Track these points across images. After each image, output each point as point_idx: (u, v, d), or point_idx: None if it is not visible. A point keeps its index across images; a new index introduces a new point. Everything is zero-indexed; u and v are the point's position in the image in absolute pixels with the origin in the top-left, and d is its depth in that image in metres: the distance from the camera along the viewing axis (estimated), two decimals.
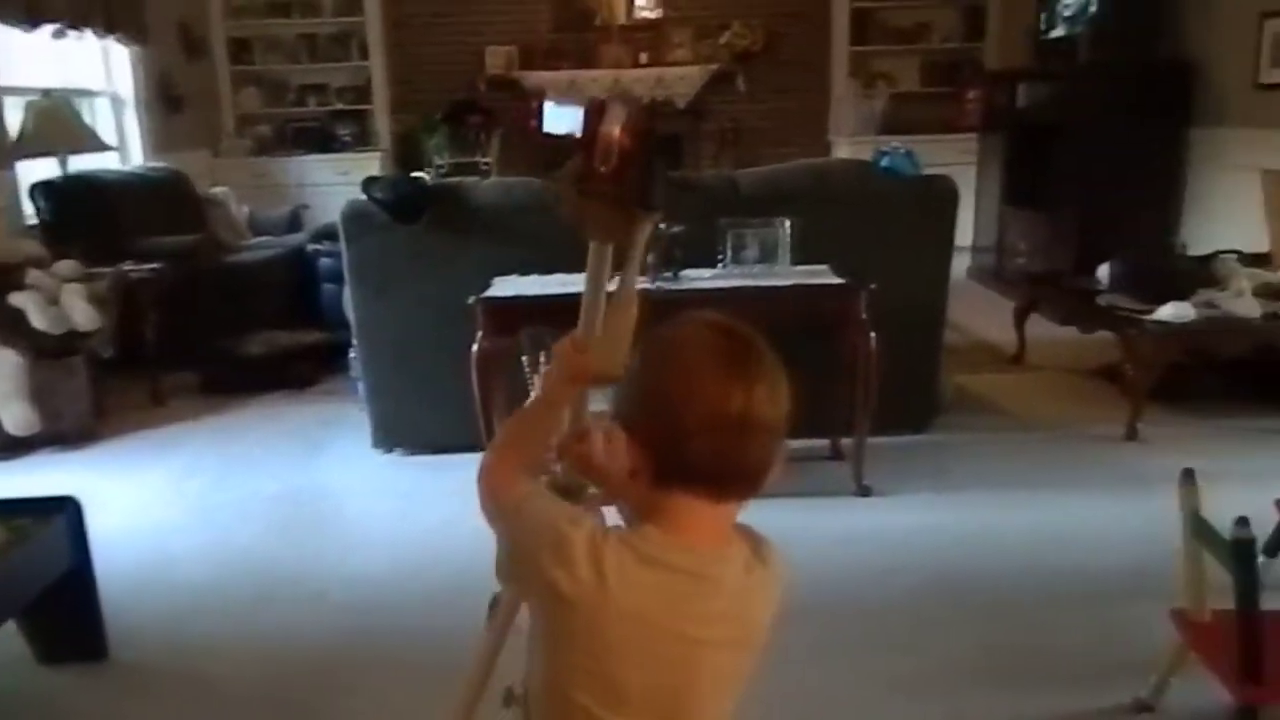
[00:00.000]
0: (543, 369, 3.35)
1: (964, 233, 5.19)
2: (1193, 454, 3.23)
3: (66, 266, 3.90)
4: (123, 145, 5.85)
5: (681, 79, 7.40)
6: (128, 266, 4.21)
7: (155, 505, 3.18)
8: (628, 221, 1.12)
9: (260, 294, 5.07)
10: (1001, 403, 3.87)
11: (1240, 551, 1.56)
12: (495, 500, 1.02)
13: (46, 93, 4.56)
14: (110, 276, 4.03)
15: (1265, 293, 3.48)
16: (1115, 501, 2.94)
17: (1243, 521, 1.58)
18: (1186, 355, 3.41)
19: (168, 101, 6.36)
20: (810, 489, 3.09)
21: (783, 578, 0.99)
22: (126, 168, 5.55)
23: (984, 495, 3.02)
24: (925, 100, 7.43)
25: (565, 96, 1.09)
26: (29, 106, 4.46)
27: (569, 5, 7.42)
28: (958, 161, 5.95)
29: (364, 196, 3.29)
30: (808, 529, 2.81)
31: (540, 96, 1.14)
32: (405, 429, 3.50)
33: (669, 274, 2.99)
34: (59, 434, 3.72)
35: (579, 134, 1.09)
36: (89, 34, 5.28)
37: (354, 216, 3.30)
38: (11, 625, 2.11)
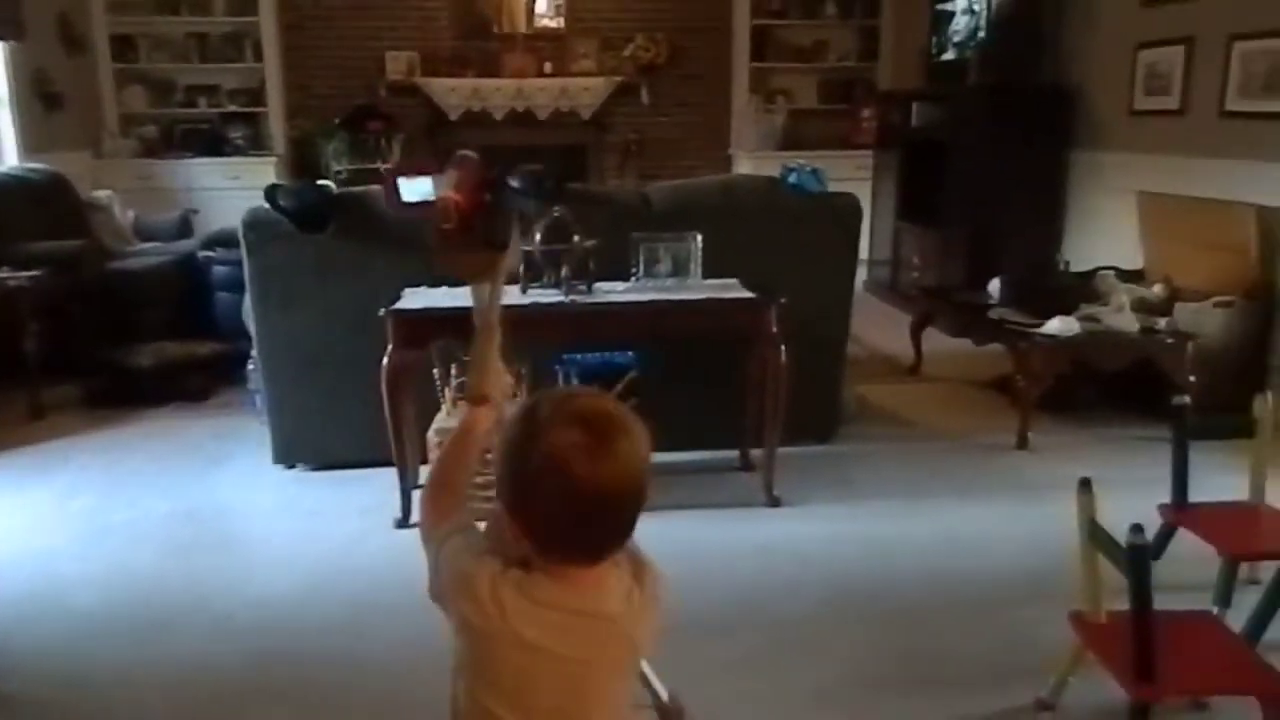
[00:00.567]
0: (454, 381, 3.31)
1: (860, 247, 5.36)
2: (1079, 462, 3.42)
3: None
4: None
5: (586, 90, 7.42)
6: (3, 274, 3.98)
7: (39, 528, 3.00)
8: (488, 261, 1.36)
9: (148, 303, 4.85)
10: (901, 413, 4.00)
11: (1135, 556, 1.65)
12: (425, 537, 1.18)
13: None
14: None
15: (1141, 307, 3.70)
16: (1010, 508, 3.08)
17: (1137, 528, 1.67)
18: (1071, 367, 3.59)
19: (45, 99, 6.03)
20: (723, 500, 3.14)
21: (660, 598, 1.11)
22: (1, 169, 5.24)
23: (887, 504, 3.12)
24: (822, 117, 7.63)
25: (411, 172, 1.24)
26: None
27: (470, 12, 7.35)
28: (854, 177, 6.14)
29: (266, 204, 3.18)
30: (723, 540, 2.86)
31: (393, 174, 1.28)
32: (308, 444, 3.41)
33: (582, 287, 2.99)
34: None
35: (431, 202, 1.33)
36: None
37: (256, 225, 3.20)
38: None
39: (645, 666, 1.42)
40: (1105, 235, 4.89)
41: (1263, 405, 2.33)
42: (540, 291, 3.00)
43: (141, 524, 3.03)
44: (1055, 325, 3.49)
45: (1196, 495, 2.36)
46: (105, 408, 4.17)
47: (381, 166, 7.39)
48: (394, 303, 2.92)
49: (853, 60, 7.63)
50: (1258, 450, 2.35)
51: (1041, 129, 5.15)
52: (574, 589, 1.05)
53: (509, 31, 7.35)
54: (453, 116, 7.38)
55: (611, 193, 3.55)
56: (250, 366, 4.00)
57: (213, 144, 7.13)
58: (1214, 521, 2.31)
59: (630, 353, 3.22)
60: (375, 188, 3.44)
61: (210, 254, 5.12)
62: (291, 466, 3.43)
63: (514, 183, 3.36)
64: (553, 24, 7.41)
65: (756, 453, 3.36)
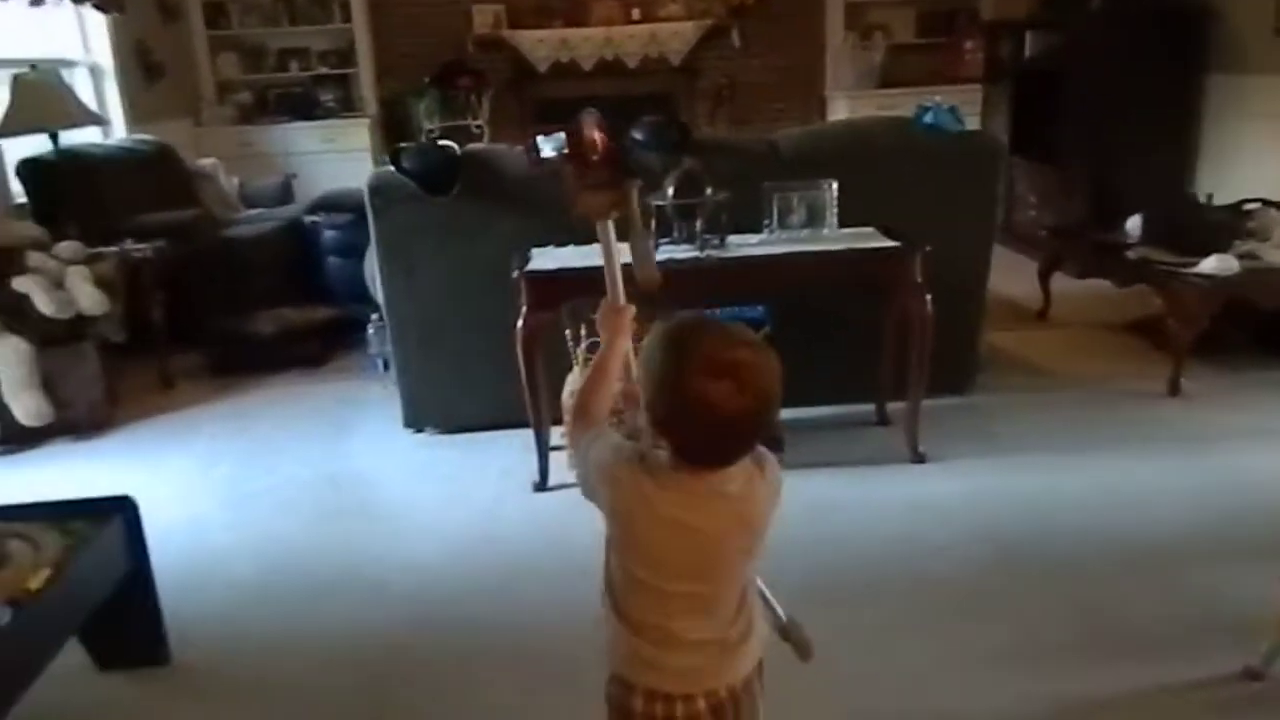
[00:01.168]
0: (584, 342, 3.25)
1: None
2: (1237, 409, 3.25)
3: (69, 248, 3.73)
4: (104, 116, 5.61)
5: (675, 35, 7.23)
6: (128, 246, 4.04)
7: (188, 497, 3.06)
8: (621, 195, 1.52)
9: (260, 269, 4.91)
10: (1034, 360, 3.83)
11: None
12: (574, 443, 1.38)
13: (33, 66, 4.33)
14: (114, 257, 3.86)
15: None
16: (1169, 460, 2.92)
17: None
18: (1228, 308, 3.37)
19: (147, 70, 6.11)
20: (863, 457, 3.05)
21: (776, 482, 1.28)
22: (111, 141, 5.32)
23: (1036, 458, 2.98)
24: (921, 51, 7.31)
25: (546, 132, 1.45)
26: (15, 81, 4.24)
27: None
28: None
29: (390, 167, 3.15)
30: (869, 499, 2.77)
31: (532, 135, 1.46)
32: (436, 408, 3.40)
33: (716, 241, 2.90)
34: (71, 423, 3.58)
35: (567, 150, 1.55)
36: (65, 2, 5.03)
37: (381, 188, 3.17)
38: None
39: (767, 590, 1.51)
40: (1246, 166, 4.59)
41: None
42: (673, 247, 2.91)
43: (284, 491, 3.07)
44: (1212, 264, 3.28)
45: None
46: (228, 375, 4.24)
47: (472, 124, 7.36)
48: (524, 264, 2.87)
49: None
50: None
51: (1172, 54, 4.83)
52: (702, 477, 1.21)
53: None
54: (541, 69, 7.28)
55: (738, 141, 3.42)
56: (370, 331, 4.02)
57: (305, 107, 7.16)
58: None
59: (760, 307, 3.11)
60: (500, 146, 3.39)
61: (316, 218, 5.15)
62: (420, 430, 3.44)
63: (636, 135, 3.29)
64: None
65: (893, 406, 3.25)
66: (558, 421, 3.04)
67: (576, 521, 2.73)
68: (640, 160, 3.20)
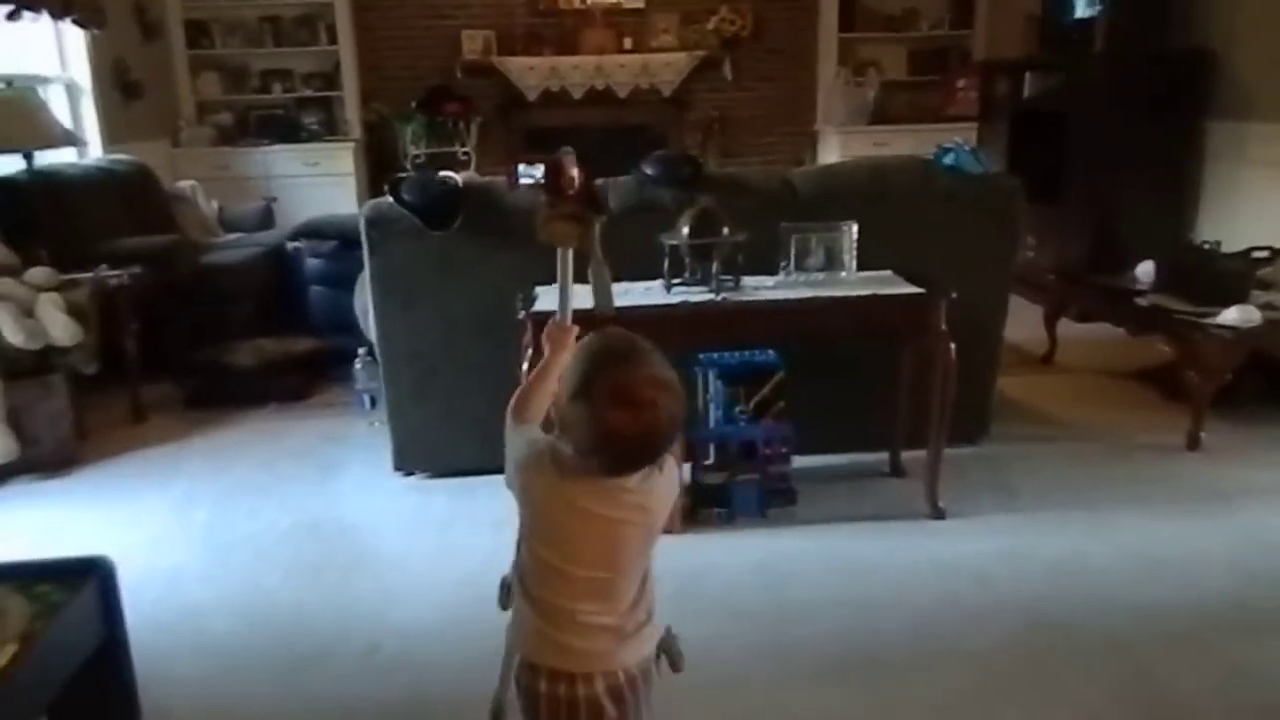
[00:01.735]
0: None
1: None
2: (1259, 466, 3.15)
3: (40, 274, 3.54)
4: (79, 136, 5.41)
5: (667, 65, 7.15)
6: (103, 272, 3.85)
7: (162, 544, 2.87)
8: (585, 228, 1.70)
9: (239, 297, 4.72)
10: (1044, 409, 3.73)
11: None
12: (507, 431, 1.49)
13: (9, 82, 4.15)
14: (89, 284, 3.67)
15: None
16: (1197, 521, 2.81)
17: None
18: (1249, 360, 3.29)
19: (125, 88, 5.92)
20: (880, 511, 2.92)
21: (672, 477, 1.42)
22: (87, 161, 5.12)
23: (1058, 517, 2.85)
24: (912, 89, 7.30)
25: (529, 162, 2.08)
26: None
27: None
28: None
29: (388, 198, 2.99)
30: (893, 560, 2.63)
31: (515, 162, 2.07)
32: (428, 450, 3.24)
33: (731, 283, 2.77)
34: (37, 461, 3.37)
35: (544, 180, 1.73)
36: (44, 16, 4.85)
37: (378, 221, 3.01)
38: None
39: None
40: (1247, 213, 4.54)
41: None
42: (687, 289, 2.78)
43: (265, 539, 2.88)
44: (1234, 315, 3.19)
45: None
46: (204, 408, 4.05)
47: (459, 150, 7.22)
48: (530, 304, 2.72)
49: (946, 28, 7.26)
50: None
51: (1173, 98, 4.79)
52: (614, 481, 1.34)
53: (587, 6, 7.10)
54: (530, 97, 7.17)
55: (753, 179, 3.30)
56: (358, 365, 3.85)
57: (288, 130, 6.99)
58: None
59: (771, 352, 2.99)
60: (503, 180, 3.25)
61: (299, 245, 4.97)
62: (410, 474, 3.27)
63: (647, 170, 3.17)
64: None
65: (907, 456, 3.13)
66: None
67: None
68: (651, 197, 3.08)
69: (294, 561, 2.72)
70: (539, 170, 2.03)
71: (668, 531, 2.74)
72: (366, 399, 3.81)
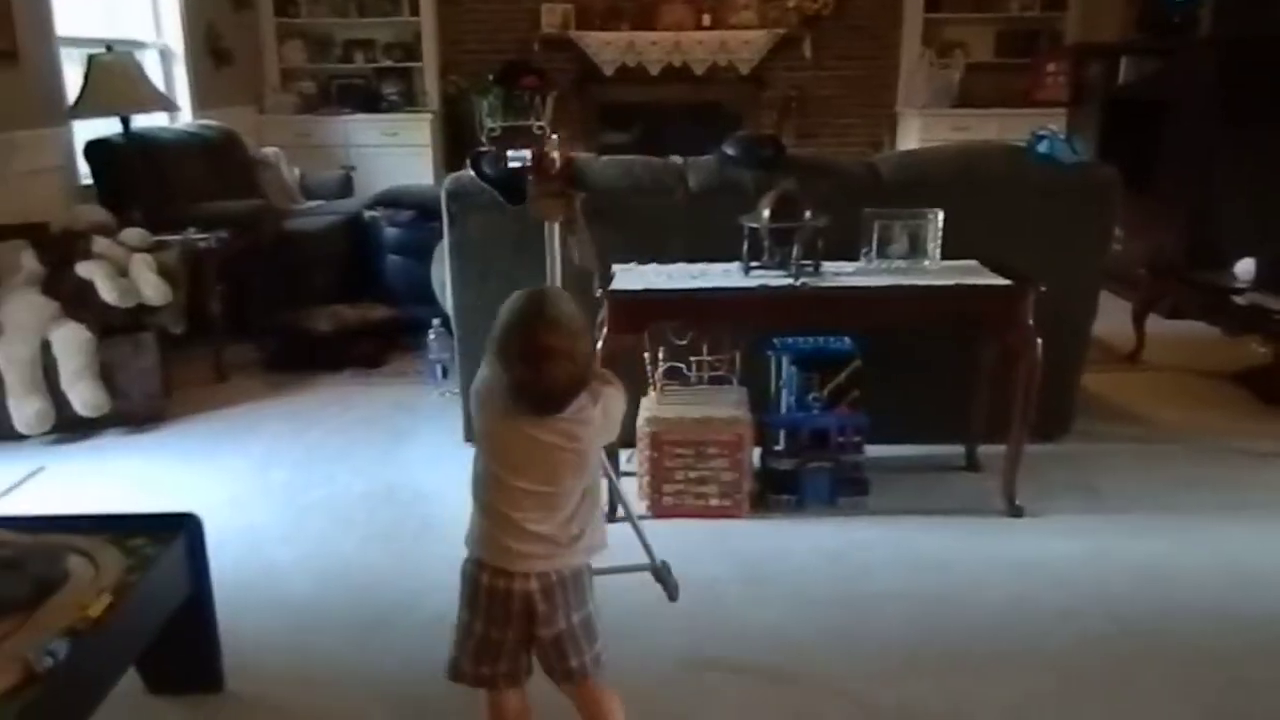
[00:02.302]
0: (662, 366, 3.07)
1: None
2: None
3: (134, 235, 3.65)
4: (174, 102, 5.55)
5: (746, 43, 7.06)
6: (192, 235, 3.95)
7: (243, 502, 2.94)
8: (568, 202, 2.06)
9: (318, 264, 4.82)
10: (1130, 407, 3.62)
11: None
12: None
13: (108, 47, 4.26)
14: (178, 246, 3.77)
15: None
16: None
17: None
18: None
19: (215, 55, 6.06)
20: (955, 506, 2.86)
21: (606, 413, 1.60)
22: (178, 126, 5.26)
23: (1145, 520, 2.77)
24: (998, 71, 7.08)
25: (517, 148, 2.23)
26: (91, 61, 4.16)
27: None
28: None
29: (469, 171, 3.00)
30: (968, 556, 2.58)
31: (504, 146, 2.29)
32: None
33: (810, 268, 2.72)
34: (126, 414, 3.49)
35: (530, 163, 2.10)
36: None
37: (458, 194, 3.03)
38: None
39: (642, 536, 2.18)
40: None
41: None
42: (765, 273, 2.74)
43: (341, 502, 2.94)
44: None
45: None
46: (282, 371, 4.15)
47: (534, 124, 7.23)
48: (608, 282, 2.71)
49: (1037, 9, 7.03)
50: None
51: None
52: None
53: None
54: (607, 72, 7.14)
55: (836, 162, 3.24)
56: (431, 336, 3.89)
57: (368, 100, 7.08)
58: None
59: (847, 339, 2.94)
60: (585, 155, 3.25)
61: (375, 214, 5.05)
62: None
63: (729, 150, 3.13)
64: None
65: (984, 450, 3.06)
66: (628, 444, 2.89)
67: (644, 559, 2.60)
68: (731, 177, 3.05)
69: (367, 527, 2.78)
70: (527, 154, 2.18)
71: (734, 516, 2.76)
72: (439, 369, 3.86)
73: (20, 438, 3.32)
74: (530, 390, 1.50)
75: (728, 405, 2.85)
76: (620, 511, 2.46)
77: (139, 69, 4.39)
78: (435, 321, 3.85)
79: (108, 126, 4.43)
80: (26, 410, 3.27)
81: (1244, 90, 4.55)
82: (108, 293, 3.37)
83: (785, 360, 2.89)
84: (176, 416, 3.61)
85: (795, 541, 2.68)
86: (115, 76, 4.18)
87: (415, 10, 7.03)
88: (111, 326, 3.43)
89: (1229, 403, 3.66)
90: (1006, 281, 2.65)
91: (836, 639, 2.23)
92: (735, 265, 2.79)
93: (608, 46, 7.11)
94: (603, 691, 1.67)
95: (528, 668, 1.64)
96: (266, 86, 6.93)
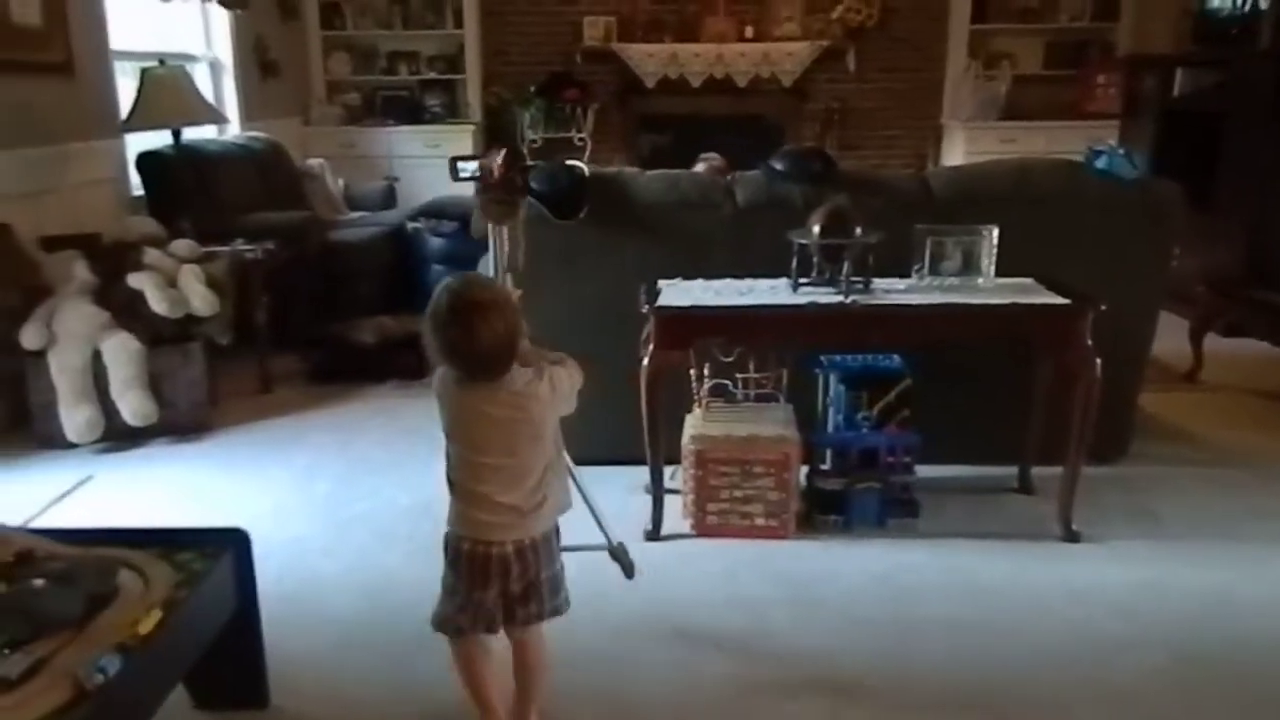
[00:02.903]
0: (708, 383, 3.02)
1: None
2: None
3: (183, 246, 3.69)
4: (221, 113, 5.63)
5: (788, 55, 7.02)
6: (239, 246, 3.99)
7: (288, 514, 2.95)
8: (512, 209, 2.27)
9: (362, 275, 4.85)
10: (1189, 428, 3.52)
11: None
12: None
13: (161, 61, 4.32)
14: (226, 257, 3.80)
15: None
16: None
17: None
18: None
19: (263, 67, 6.13)
20: (1007, 529, 2.79)
21: (555, 388, 1.77)
22: (226, 137, 5.32)
23: (1207, 548, 2.68)
24: (1046, 83, 6.99)
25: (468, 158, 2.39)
26: (144, 75, 4.22)
27: None
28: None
29: None
30: (1021, 581, 2.51)
31: (454, 159, 2.38)
32: None
33: (860, 285, 2.68)
34: (173, 424, 3.52)
35: (478, 174, 2.28)
36: None
37: None
38: None
39: (598, 517, 2.43)
40: None
41: None
42: (814, 290, 2.70)
43: (384, 517, 2.93)
44: None
45: None
46: (326, 382, 4.16)
47: (575, 136, 7.24)
48: (651, 296, 2.69)
49: (1087, 19, 6.93)
50: None
51: None
52: (496, 384, 1.72)
53: None
54: (649, 84, 7.13)
55: (886, 177, 3.20)
56: None
57: (411, 111, 7.14)
58: None
59: (896, 357, 2.89)
60: (631, 170, 3.24)
61: (418, 225, 5.07)
62: None
63: (776, 165, 3.10)
64: None
65: (1037, 472, 2.99)
66: (674, 461, 2.85)
67: (691, 578, 2.57)
68: (779, 192, 3.01)
69: (411, 541, 2.76)
70: (473, 165, 2.35)
71: (780, 536, 2.71)
72: None
73: (70, 446, 3.36)
74: (464, 350, 1.67)
75: (774, 423, 2.80)
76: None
77: (190, 82, 4.46)
78: None
79: (159, 139, 4.49)
80: (77, 418, 3.31)
81: None
82: (157, 303, 3.40)
83: (833, 378, 2.84)
84: (222, 426, 3.64)
85: (843, 563, 2.63)
86: (167, 90, 4.24)
87: (459, 23, 7.09)
88: (160, 337, 3.47)
89: None
90: (1065, 300, 2.58)
91: (885, 665, 2.18)
92: (783, 282, 2.75)
93: (650, 59, 7.11)
94: (542, 638, 1.89)
95: (500, 619, 1.82)
96: (312, 98, 7.01)
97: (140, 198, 4.45)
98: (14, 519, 2.88)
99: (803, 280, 2.74)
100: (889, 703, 2.05)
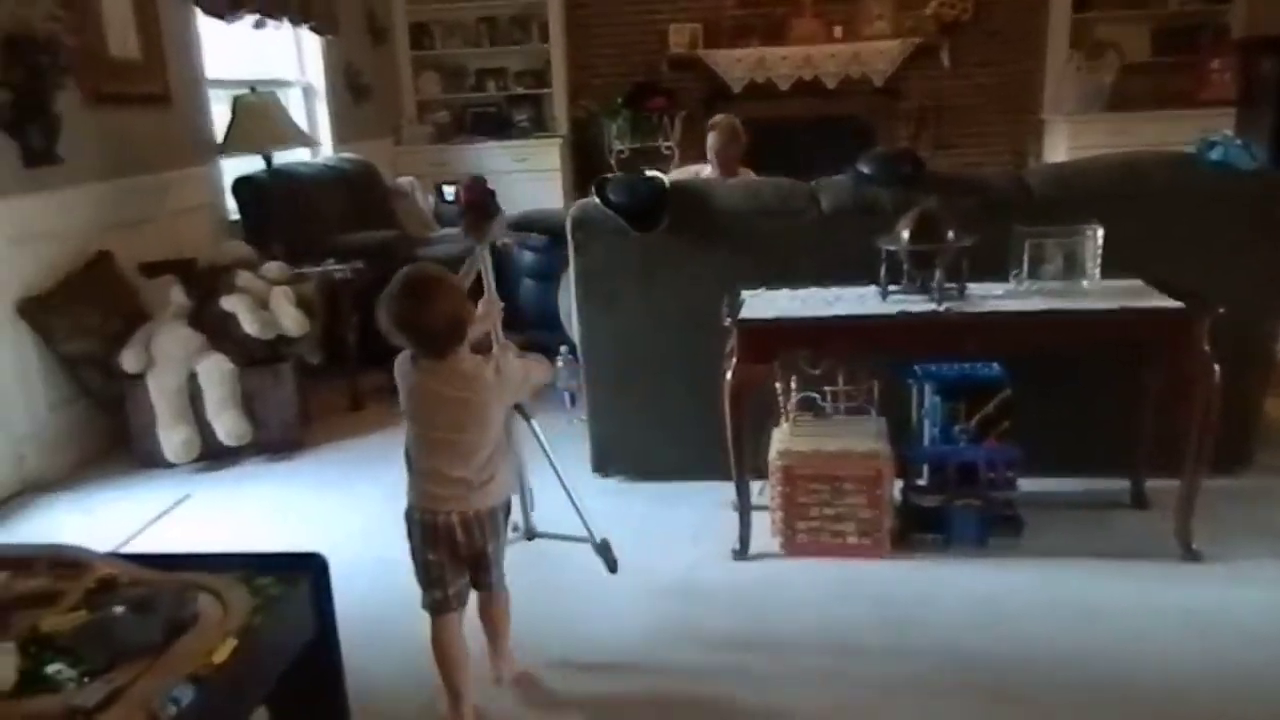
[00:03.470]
0: (794, 396, 2.88)
1: None
2: None
3: (274, 268, 3.77)
4: (314, 136, 5.77)
5: (879, 55, 6.85)
6: (330, 266, 4.06)
7: (376, 532, 2.94)
8: (481, 229, 2.47)
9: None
10: None
11: None
12: None
13: (252, 88, 4.45)
14: (316, 278, 3.87)
15: None
16: None
17: None
18: None
19: (355, 90, 6.27)
20: (1120, 548, 2.61)
21: (502, 376, 1.94)
22: (318, 160, 5.46)
23: None
24: (1154, 71, 6.63)
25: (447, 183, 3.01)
26: (236, 102, 4.35)
27: None
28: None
29: (594, 198, 2.96)
30: (1138, 605, 2.34)
31: (438, 183, 3.12)
32: (628, 453, 3.19)
33: (954, 291, 2.54)
34: (266, 443, 3.59)
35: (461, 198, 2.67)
36: (285, 24, 5.19)
37: (584, 221, 2.99)
38: None
39: (581, 513, 2.63)
40: None
41: None
42: (905, 297, 2.58)
43: None
44: None
45: None
46: None
47: (662, 145, 7.20)
48: (734, 307, 2.60)
49: (1198, 2, 6.55)
50: None
51: None
52: (444, 361, 1.89)
53: None
54: (735, 89, 7.06)
55: (981, 176, 3.05)
56: (559, 363, 3.86)
57: (500, 126, 7.22)
58: None
59: (995, 365, 2.74)
60: (712, 179, 3.16)
61: (507, 239, 5.07)
62: (608, 476, 3.23)
63: (864, 168, 2.98)
64: None
65: (1151, 485, 2.79)
66: (760, 475, 2.76)
67: (781, 600, 2.47)
68: (867, 197, 2.89)
69: None
70: (452, 189, 2.84)
71: (874, 556, 2.58)
72: (567, 397, 3.81)
73: (169, 465, 3.46)
74: (414, 325, 1.84)
75: (866, 437, 2.68)
76: None
77: (280, 108, 4.57)
78: (563, 348, 3.81)
79: (253, 163, 4.61)
80: (175, 439, 3.41)
81: None
82: (249, 325, 3.47)
83: (928, 389, 2.71)
84: (313, 445, 3.70)
85: (941, 586, 2.49)
86: (258, 116, 4.36)
87: (545, 37, 7.14)
88: (253, 357, 3.54)
89: None
90: (1178, 304, 2.40)
91: (986, 695, 2.05)
92: (872, 290, 2.64)
93: (737, 64, 7.03)
94: (503, 601, 2.13)
95: (465, 593, 2.02)
96: (403, 118, 7.15)
97: (236, 222, 4.58)
98: (117, 537, 2.98)
99: (893, 288, 2.62)
100: None
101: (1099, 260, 2.56)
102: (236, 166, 4.65)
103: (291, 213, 4.52)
